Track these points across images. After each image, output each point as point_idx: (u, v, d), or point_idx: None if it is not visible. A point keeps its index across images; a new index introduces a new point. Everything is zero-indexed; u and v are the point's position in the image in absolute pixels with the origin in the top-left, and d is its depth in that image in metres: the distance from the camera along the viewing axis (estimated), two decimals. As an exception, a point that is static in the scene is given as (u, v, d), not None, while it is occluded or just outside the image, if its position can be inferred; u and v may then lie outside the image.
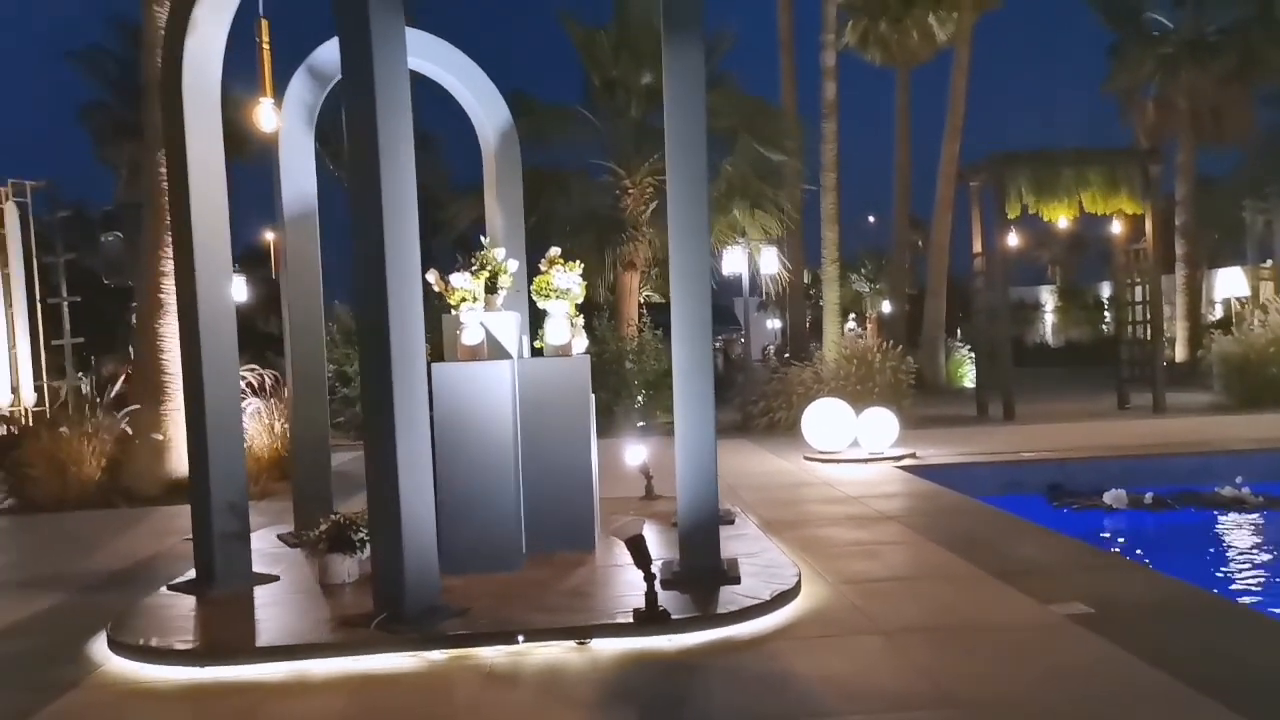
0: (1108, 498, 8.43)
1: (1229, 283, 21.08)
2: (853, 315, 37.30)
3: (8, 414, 14.34)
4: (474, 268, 5.63)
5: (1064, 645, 4.07)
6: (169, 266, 10.02)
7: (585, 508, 5.84)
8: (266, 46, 5.19)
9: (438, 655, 4.20)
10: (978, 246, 15.23)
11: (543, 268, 5.92)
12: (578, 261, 6.06)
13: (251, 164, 20.82)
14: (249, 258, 26.32)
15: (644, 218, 14.92)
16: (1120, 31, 26.82)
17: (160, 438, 9.75)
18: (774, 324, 37.24)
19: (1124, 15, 26.65)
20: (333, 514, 5.37)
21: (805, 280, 24.86)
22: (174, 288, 9.99)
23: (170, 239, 9.87)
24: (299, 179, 6.35)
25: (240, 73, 5.49)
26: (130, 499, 9.34)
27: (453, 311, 5.50)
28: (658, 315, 17.01)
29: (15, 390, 14.91)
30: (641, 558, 4.39)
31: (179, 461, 9.99)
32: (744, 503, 7.55)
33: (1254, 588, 6.44)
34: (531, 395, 5.69)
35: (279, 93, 6.28)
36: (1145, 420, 13.13)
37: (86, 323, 16.57)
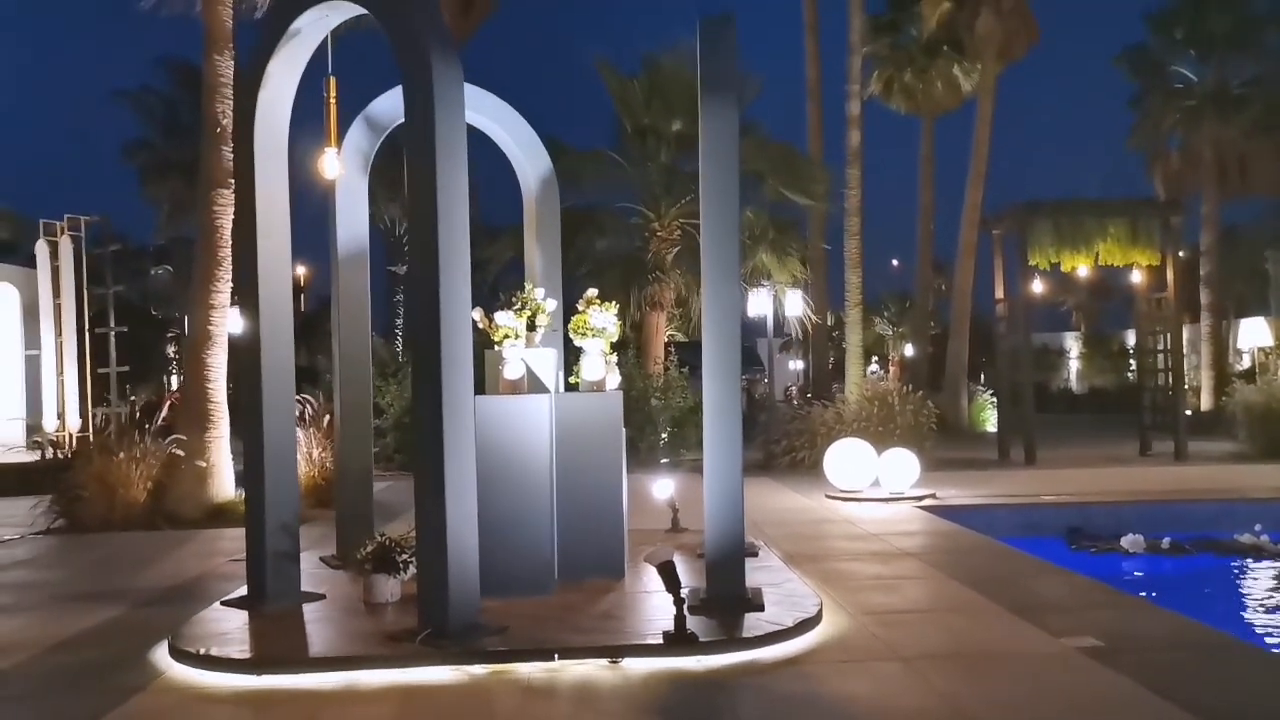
0: (1125, 542, 8.57)
1: (1253, 332, 21.14)
2: (875, 357, 37.42)
3: (54, 438, 14.85)
4: (516, 306, 5.98)
5: (1074, 674, 4.27)
6: (219, 300, 10.47)
7: (616, 537, 6.10)
8: (334, 101, 5.59)
9: (478, 670, 4.46)
10: (1000, 293, 15.47)
11: (580, 308, 6.25)
12: (613, 302, 6.40)
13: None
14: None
15: (670, 259, 15.34)
16: (1144, 84, 27.17)
17: (204, 464, 10.12)
18: (796, 365, 37.43)
19: (1148, 68, 27.01)
20: (379, 535, 5.66)
21: (829, 322, 25.16)
22: (222, 320, 10.54)
23: (220, 274, 10.41)
24: (353, 221, 6.76)
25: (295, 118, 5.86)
26: (173, 522, 9.69)
27: (495, 347, 5.84)
28: (683, 354, 17.35)
29: (61, 416, 15.44)
30: (671, 582, 4.65)
31: (220, 487, 10.36)
32: (767, 537, 7.77)
33: (1269, 632, 6.56)
34: (567, 428, 5.99)
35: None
36: (1167, 467, 13.22)
37: (130, 352, 17.15)
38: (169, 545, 8.51)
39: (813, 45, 22.24)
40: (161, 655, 4.85)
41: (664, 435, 14.85)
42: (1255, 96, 25.36)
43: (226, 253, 10.51)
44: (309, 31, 5.36)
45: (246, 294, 5.62)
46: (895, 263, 41.24)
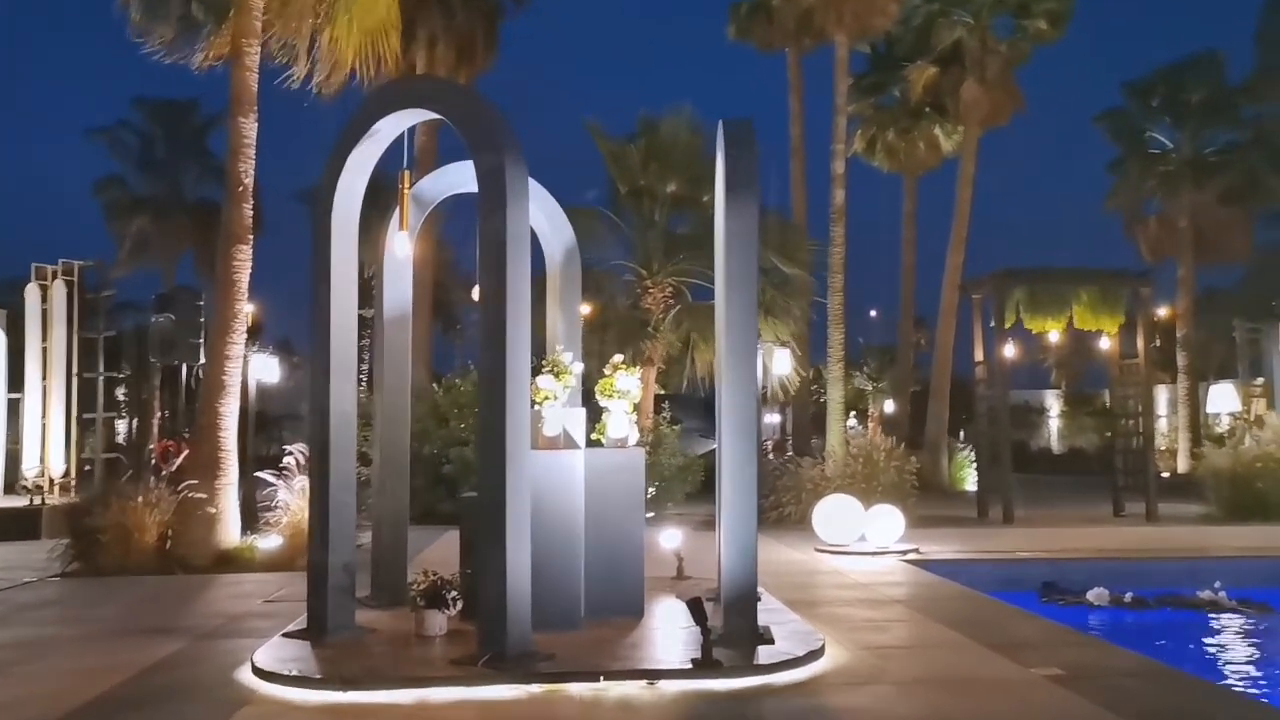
0: (1091, 595, 9.75)
1: (1222, 397, 22.83)
2: (854, 412, 38.76)
3: (37, 483, 15.59)
4: (551, 370, 7.09)
5: (1041, 695, 5.41)
6: (234, 350, 11.46)
7: (636, 579, 7.16)
8: (406, 191, 6.73)
9: (535, 688, 5.48)
10: (979, 355, 16.86)
11: (607, 372, 7.38)
12: (637, 366, 7.55)
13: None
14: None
15: (664, 318, 16.58)
16: (1123, 148, 29.18)
17: (213, 511, 11.01)
18: (772, 418, 38.66)
19: (1127, 133, 29.06)
20: (432, 574, 6.65)
21: (808, 376, 26.50)
22: (236, 371, 11.50)
23: (235, 325, 11.42)
24: (398, 287, 7.85)
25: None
26: (185, 567, 10.54)
27: (535, 407, 6.93)
28: (671, 408, 18.50)
29: (43, 460, 16.17)
30: (700, 616, 5.75)
31: (226, 533, 11.22)
32: (766, 586, 8.81)
33: (1218, 673, 7.73)
34: (596, 480, 7.05)
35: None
36: (1137, 527, 14.54)
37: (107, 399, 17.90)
38: (192, 588, 9.39)
39: (797, 105, 23.97)
40: (246, 677, 5.81)
41: (651, 490, 15.89)
42: (1229, 164, 27.39)
43: (243, 305, 11.55)
44: (387, 131, 6.52)
45: (318, 352, 6.67)
46: (874, 313, 42.91)
